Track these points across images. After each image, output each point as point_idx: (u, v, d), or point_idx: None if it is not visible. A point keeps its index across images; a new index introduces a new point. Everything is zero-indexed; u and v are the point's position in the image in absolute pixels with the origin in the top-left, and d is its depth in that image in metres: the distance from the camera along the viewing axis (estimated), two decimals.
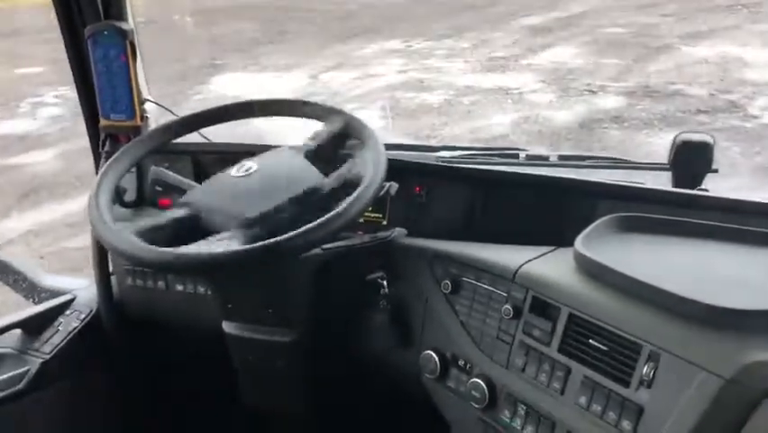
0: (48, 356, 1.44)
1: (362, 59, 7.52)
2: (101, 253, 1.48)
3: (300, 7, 10.63)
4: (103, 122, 1.45)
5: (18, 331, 1.48)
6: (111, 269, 1.54)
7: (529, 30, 8.42)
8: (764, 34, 7.12)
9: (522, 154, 1.48)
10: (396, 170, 1.18)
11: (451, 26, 8.85)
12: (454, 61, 7.32)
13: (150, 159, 1.34)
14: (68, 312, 1.53)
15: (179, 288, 1.44)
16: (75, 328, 1.49)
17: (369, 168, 1.11)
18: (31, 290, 1.64)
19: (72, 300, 1.55)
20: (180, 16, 10.16)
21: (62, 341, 1.47)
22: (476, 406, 1.13)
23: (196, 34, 9.34)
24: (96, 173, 1.45)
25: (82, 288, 1.60)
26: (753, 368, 0.81)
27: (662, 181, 1.34)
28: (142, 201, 1.43)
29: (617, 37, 7.65)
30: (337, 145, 1.25)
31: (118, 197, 1.28)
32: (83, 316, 1.52)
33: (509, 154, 1.49)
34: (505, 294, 1.12)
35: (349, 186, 1.11)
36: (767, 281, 0.95)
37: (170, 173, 1.24)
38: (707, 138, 1.34)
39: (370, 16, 9.95)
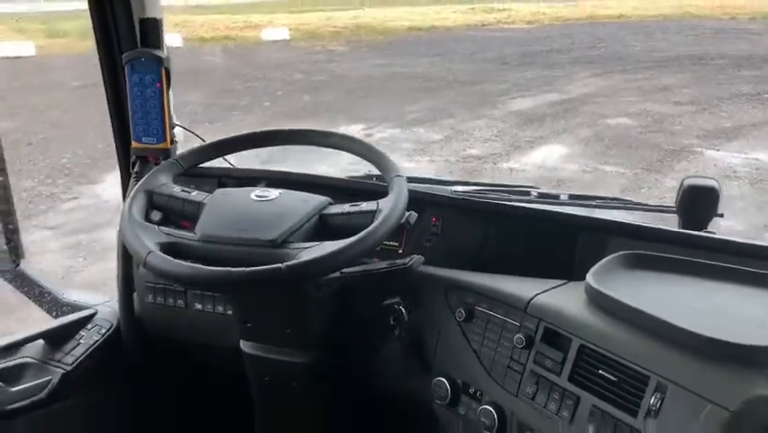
0: (69, 368, 1.46)
1: (304, 151, 6.75)
2: (125, 269, 1.51)
3: (263, 76, 9.64)
4: (135, 144, 1.49)
5: (41, 342, 1.50)
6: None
7: (517, 117, 7.23)
8: None
9: (534, 192, 1.52)
10: (414, 201, 1.23)
11: (426, 107, 7.75)
12: (418, 160, 5.96)
13: (176, 181, 1.37)
14: (89, 326, 1.55)
15: (198, 306, 1.47)
16: (96, 342, 1.51)
17: (391, 196, 1.17)
18: (54, 304, 1.68)
19: (94, 315, 1.58)
20: None
21: (83, 354, 1.49)
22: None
23: None
24: (124, 193, 1.55)
25: (104, 303, 1.63)
26: (757, 402, 0.84)
27: (668, 224, 1.36)
28: (167, 221, 1.44)
29: (624, 131, 6.56)
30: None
31: (147, 215, 1.31)
32: (104, 330, 1.54)
33: (521, 191, 1.53)
34: (517, 324, 1.15)
35: (366, 215, 1.17)
36: None
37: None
38: (713, 183, 1.38)
39: (338, 90, 8.82)
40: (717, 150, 5.95)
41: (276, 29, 13.95)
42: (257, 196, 1.24)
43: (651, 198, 4.55)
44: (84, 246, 4.20)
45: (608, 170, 5.48)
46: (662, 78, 9.12)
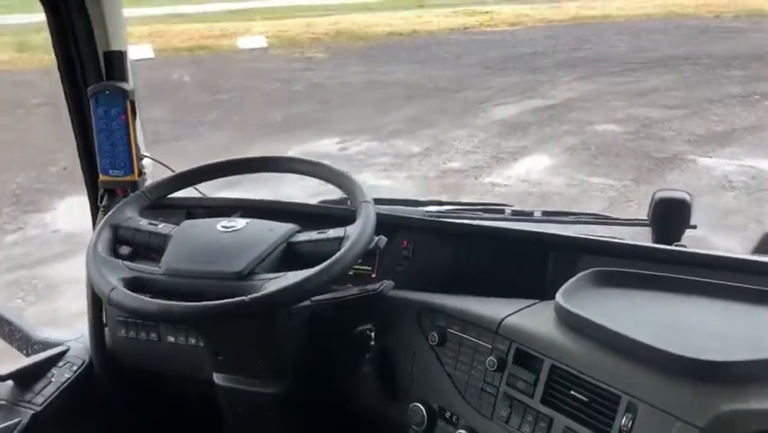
0: (39, 408, 1.44)
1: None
2: (95, 304, 1.50)
3: (236, 87, 9.00)
4: (102, 177, 1.48)
5: (10, 383, 1.48)
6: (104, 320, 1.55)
7: (501, 126, 6.82)
8: None
9: (507, 210, 1.52)
10: (384, 225, 1.23)
11: (407, 117, 7.32)
12: (395, 176, 5.58)
13: (143, 213, 1.36)
14: (60, 364, 1.54)
15: (171, 339, 1.45)
16: (67, 379, 1.50)
17: (359, 222, 1.17)
18: (25, 341, 1.65)
19: (65, 352, 1.56)
20: None
21: (54, 392, 1.47)
22: None
23: None
24: (94, 226, 1.52)
25: (75, 339, 1.61)
26: (726, 417, 0.85)
27: (641, 237, 1.38)
28: (137, 255, 1.44)
29: (612, 139, 6.22)
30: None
31: (114, 250, 1.29)
32: (75, 367, 1.53)
33: (495, 210, 1.53)
34: (489, 346, 1.14)
35: (333, 242, 1.16)
36: (740, 334, 0.99)
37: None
38: (684, 195, 1.38)
39: (314, 101, 8.24)
40: (710, 157, 5.65)
41: (253, 37, 13.58)
42: (223, 227, 1.23)
43: (641, 214, 3.95)
44: (24, 284, 3.81)
45: (596, 181, 5.18)
46: (650, 81, 8.74)
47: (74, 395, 1.50)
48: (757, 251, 1.40)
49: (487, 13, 17.84)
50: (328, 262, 1.10)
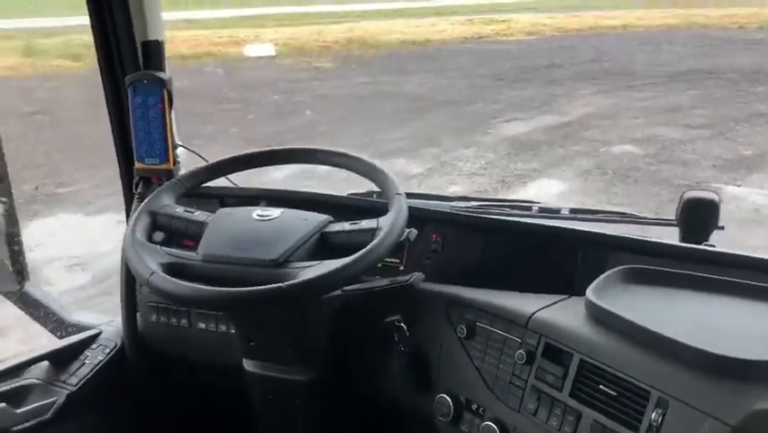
0: (74, 388, 1.48)
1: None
2: (129, 289, 1.53)
3: (238, 98, 8.71)
4: (138, 165, 1.50)
5: (46, 363, 1.52)
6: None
7: (510, 144, 6.39)
8: None
9: (535, 207, 1.52)
10: (414, 217, 1.23)
11: (411, 134, 6.92)
12: None
13: (179, 201, 1.38)
14: (94, 346, 1.57)
15: (201, 325, 1.47)
16: (100, 362, 1.53)
17: (391, 214, 1.19)
18: (59, 324, 1.69)
19: (98, 335, 1.60)
20: (83, 109, 7.34)
21: (88, 374, 1.51)
22: None
23: (84, 133, 6.22)
24: (128, 213, 1.56)
25: (108, 323, 1.65)
26: (757, 416, 0.85)
27: (669, 237, 1.36)
28: (170, 241, 1.45)
29: (630, 162, 5.74)
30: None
31: (149, 236, 1.31)
32: (108, 350, 1.56)
33: (522, 206, 1.53)
34: (518, 340, 1.15)
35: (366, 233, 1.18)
36: None
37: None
38: (713, 196, 1.37)
39: (318, 113, 7.91)
40: (738, 185, 5.17)
41: (261, 44, 13.26)
42: (258, 215, 1.26)
43: None
44: None
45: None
46: (671, 96, 8.23)
47: (106, 377, 1.54)
48: None
49: (504, 21, 17.38)
50: (363, 251, 1.12)
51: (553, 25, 16.80)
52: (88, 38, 1.58)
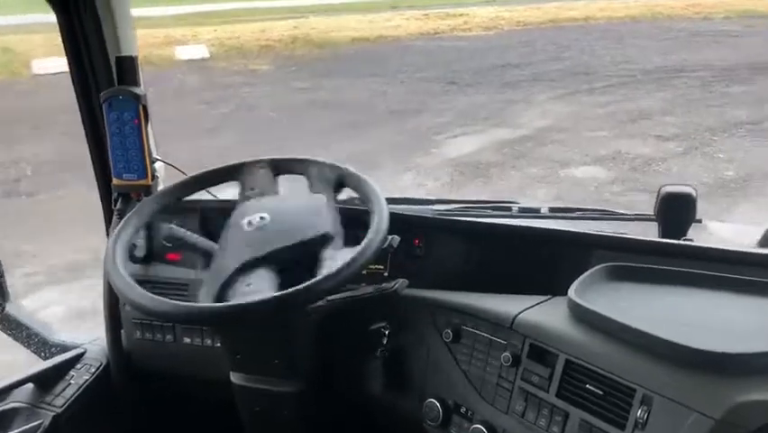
0: (60, 410, 1.48)
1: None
2: (112, 306, 1.53)
3: (156, 111, 6.92)
4: (115, 181, 1.51)
5: (30, 385, 1.51)
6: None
7: (455, 169, 5.49)
8: None
9: (514, 207, 1.54)
10: (396, 223, 1.23)
11: (344, 154, 5.45)
12: None
13: (160, 216, 1.38)
14: (78, 366, 1.57)
15: (187, 340, 1.49)
16: (86, 381, 1.53)
17: (373, 222, 1.18)
18: (42, 345, 1.66)
19: (83, 354, 1.59)
20: None
21: (74, 394, 1.50)
22: None
23: None
24: (107, 230, 1.58)
25: (91, 342, 1.64)
26: (741, 408, 0.86)
27: (648, 232, 1.38)
28: (152, 257, 1.48)
29: (595, 190, 4.95)
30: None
31: (129, 253, 1.31)
32: (93, 369, 1.56)
33: (502, 207, 1.54)
34: (504, 342, 1.16)
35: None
36: (753, 326, 1.01)
37: (183, 230, 1.32)
38: (689, 190, 1.39)
39: (238, 130, 6.69)
40: (722, 221, 4.26)
41: (195, 46, 12.14)
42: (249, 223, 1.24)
43: None
44: None
45: None
46: (638, 100, 7.36)
47: (93, 397, 1.52)
48: (763, 243, 1.39)
49: (461, 15, 16.43)
50: (346, 261, 1.11)
51: (512, 19, 15.84)
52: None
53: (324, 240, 1.20)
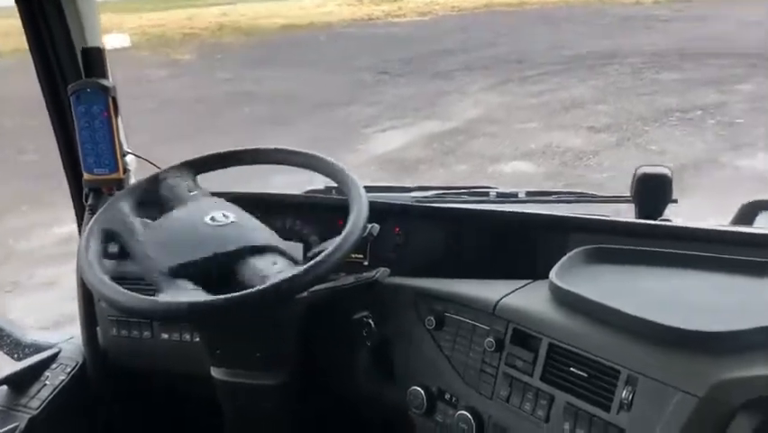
0: (35, 412, 1.44)
1: None
2: (87, 304, 1.49)
3: None
4: (86, 176, 1.47)
5: (4, 388, 1.48)
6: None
7: (380, 166, 5.23)
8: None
9: (492, 192, 1.53)
10: (375, 212, 1.22)
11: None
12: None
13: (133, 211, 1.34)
14: (54, 366, 1.53)
15: (165, 336, 1.46)
16: (62, 382, 1.50)
17: (352, 212, 1.17)
18: (15, 346, 1.63)
19: (58, 354, 1.56)
20: None
21: (49, 395, 1.47)
22: None
23: None
24: (79, 226, 1.54)
25: (66, 341, 1.60)
26: (724, 386, 0.87)
27: (625, 213, 1.40)
28: (126, 253, 1.37)
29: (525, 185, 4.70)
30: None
31: (103, 249, 1.26)
32: (69, 369, 1.53)
33: (480, 193, 1.53)
34: (487, 327, 1.16)
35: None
36: (732, 304, 1.02)
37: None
38: (665, 171, 1.41)
39: (151, 128, 5.38)
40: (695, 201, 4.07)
41: (116, 35, 11.47)
42: (211, 219, 1.20)
43: None
44: None
45: None
46: (571, 89, 7.17)
47: (70, 397, 1.49)
48: (736, 222, 1.41)
49: (396, 1, 16.10)
50: (326, 252, 1.09)
51: (446, 4, 15.58)
52: None
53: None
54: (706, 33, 9.93)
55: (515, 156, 5.33)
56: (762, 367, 0.88)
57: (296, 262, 1.17)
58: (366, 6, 15.86)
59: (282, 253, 1.17)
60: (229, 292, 1.05)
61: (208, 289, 1.09)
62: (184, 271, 1.11)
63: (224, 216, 1.20)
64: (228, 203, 1.28)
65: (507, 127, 6.05)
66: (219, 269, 1.14)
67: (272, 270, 1.12)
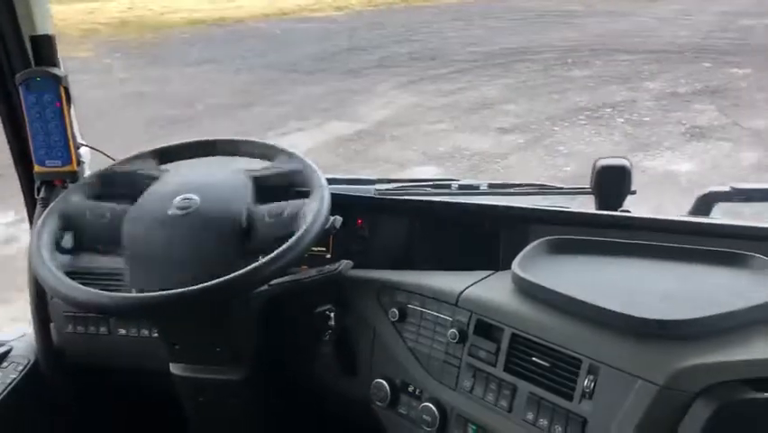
0: None
1: None
2: (39, 300, 1.45)
3: None
4: (37, 168, 1.44)
5: None
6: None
7: None
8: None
9: (454, 184, 1.53)
10: (337, 204, 1.20)
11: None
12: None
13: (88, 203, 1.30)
14: (4, 364, 1.49)
15: (122, 332, 1.43)
16: (13, 380, 1.45)
17: (314, 203, 1.14)
18: None
19: (8, 352, 1.52)
20: None
21: (0, 395, 1.42)
22: (427, 429, 1.16)
23: None
24: (30, 220, 1.48)
25: (18, 338, 1.56)
26: (683, 373, 0.88)
27: (586, 205, 1.41)
28: (80, 247, 1.34)
29: None
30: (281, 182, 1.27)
31: (56, 243, 1.22)
32: (21, 367, 1.48)
33: (442, 185, 1.53)
34: (450, 318, 1.16)
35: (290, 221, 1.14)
36: (689, 293, 1.03)
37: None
38: (624, 162, 1.43)
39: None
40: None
41: None
42: (178, 208, 1.16)
43: None
44: None
45: None
46: (482, 87, 7.01)
47: (22, 396, 1.45)
48: (693, 212, 1.44)
49: None
50: (287, 245, 1.07)
51: None
52: None
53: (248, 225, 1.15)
54: (619, 29, 10.05)
55: (422, 161, 5.13)
56: (719, 354, 0.91)
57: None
58: (280, 0, 15.40)
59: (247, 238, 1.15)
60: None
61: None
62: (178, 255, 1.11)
63: (187, 200, 1.17)
64: (191, 181, 1.23)
65: (416, 129, 5.85)
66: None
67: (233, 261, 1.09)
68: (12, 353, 1.51)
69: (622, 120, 5.92)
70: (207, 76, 8.07)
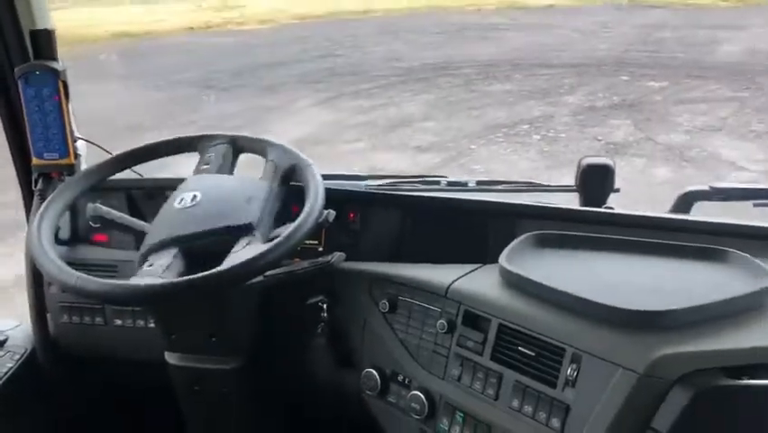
0: None
1: None
2: (36, 290, 1.48)
3: None
4: (35, 161, 1.47)
5: None
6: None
7: None
8: None
9: (443, 181, 1.58)
10: (330, 198, 1.24)
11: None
12: None
13: (84, 196, 1.36)
14: (1, 353, 1.51)
15: (118, 322, 1.46)
16: (9, 370, 1.47)
17: (309, 197, 1.18)
18: None
19: (5, 342, 1.54)
20: None
21: None
22: (416, 417, 1.20)
23: None
24: (27, 212, 1.52)
25: (14, 328, 1.58)
26: (662, 362, 0.92)
27: (570, 202, 1.45)
28: (77, 238, 1.45)
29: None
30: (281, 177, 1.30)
31: (54, 234, 1.26)
32: (17, 357, 1.51)
33: (431, 181, 1.58)
34: (439, 310, 1.20)
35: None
36: (670, 286, 1.08)
37: (110, 210, 1.32)
38: (608, 161, 1.49)
39: None
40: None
41: None
42: (179, 202, 1.22)
43: None
44: None
45: None
46: (402, 104, 6.89)
47: (18, 385, 1.47)
48: (674, 210, 1.49)
49: (237, 8, 15.41)
50: (282, 237, 1.11)
51: (290, 11, 15.07)
52: None
53: (245, 230, 1.17)
54: (539, 42, 10.17)
55: None
56: (696, 343, 0.94)
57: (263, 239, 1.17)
58: (207, 14, 15.06)
59: (246, 233, 1.17)
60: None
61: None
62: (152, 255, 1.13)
63: (191, 197, 1.21)
64: (197, 180, 1.28)
65: (332, 148, 5.67)
66: (187, 251, 1.15)
67: (231, 252, 1.12)
68: (8, 342, 1.53)
69: (538, 137, 5.92)
70: (121, 93, 7.75)
